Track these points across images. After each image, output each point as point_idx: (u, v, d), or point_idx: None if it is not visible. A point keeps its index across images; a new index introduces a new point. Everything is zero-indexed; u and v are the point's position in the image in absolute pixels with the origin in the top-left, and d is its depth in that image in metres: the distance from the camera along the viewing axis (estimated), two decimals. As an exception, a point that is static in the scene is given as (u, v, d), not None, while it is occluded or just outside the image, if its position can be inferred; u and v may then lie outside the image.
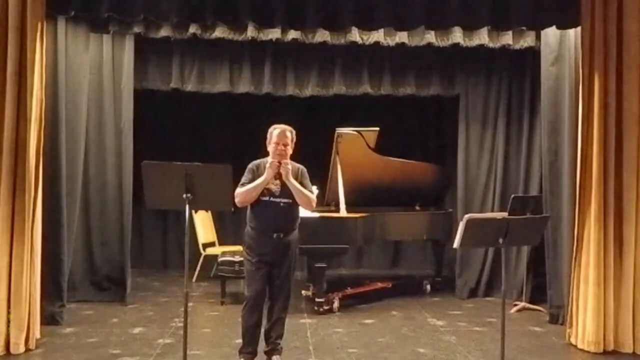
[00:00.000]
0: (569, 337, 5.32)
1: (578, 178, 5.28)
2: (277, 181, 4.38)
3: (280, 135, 4.36)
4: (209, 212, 7.87)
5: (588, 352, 5.09)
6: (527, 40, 6.29)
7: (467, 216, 4.08)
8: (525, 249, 6.69)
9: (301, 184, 4.42)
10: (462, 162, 7.24)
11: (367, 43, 6.26)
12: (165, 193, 3.99)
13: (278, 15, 5.28)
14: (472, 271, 7.16)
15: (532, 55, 6.45)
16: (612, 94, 5.13)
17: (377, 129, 6.86)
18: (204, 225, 7.80)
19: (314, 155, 6.27)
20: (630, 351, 5.10)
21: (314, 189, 4.65)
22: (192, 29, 6.09)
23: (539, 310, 6.40)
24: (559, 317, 5.89)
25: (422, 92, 7.21)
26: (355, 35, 6.18)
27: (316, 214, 6.21)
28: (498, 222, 4.11)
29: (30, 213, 4.89)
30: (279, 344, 4.56)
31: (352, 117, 7.37)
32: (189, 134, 8.60)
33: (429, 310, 6.47)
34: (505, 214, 4.81)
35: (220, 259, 6.63)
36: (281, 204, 4.40)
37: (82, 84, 6.14)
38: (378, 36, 6.20)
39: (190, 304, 4.78)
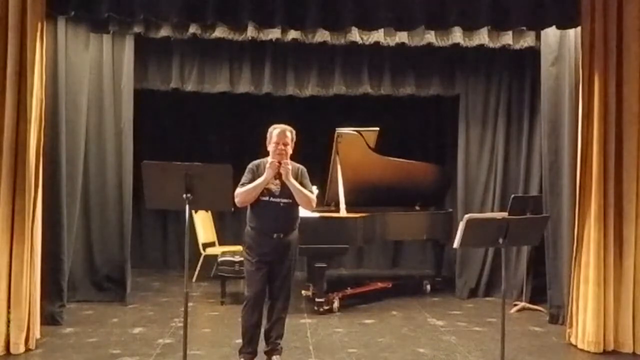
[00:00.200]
0: (569, 337, 5.32)
1: (578, 178, 5.28)
2: (277, 181, 4.38)
3: (280, 135, 4.36)
4: (209, 212, 7.87)
5: (588, 352, 5.09)
6: (527, 40, 6.29)
7: (467, 216, 4.08)
8: (525, 249, 6.69)
9: (301, 184, 4.42)
10: (462, 162, 7.24)
11: (367, 43, 6.25)
12: (165, 193, 3.99)
13: (278, 15, 5.28)
14: (472, 271, 7.15)
15: (532, 55, 6.45)
16: (612, 94, 5.13)
17: (377, 129, 6.86)
18: (204, 225, 7.80)
19: (314, 155, 6.28)
20: (630, 351, 5.10)
21: (314, 189, 4.65)
22: (192, 29, 6.09)
23: (539, 310, 6.40)
24: (559, 317, 5.89)
25: (422, 92, 7.21)
26: (355, 35, 6.18)
27: (316, 214, 6.21)
28: (498, 222, 4.11)
29: (30, 213, 4.89)
30: (279, 344, 4.56)
31: (352, 117, 7.36)
32: (189, 134, 8.61)
33: (429, 310, 6.47)
34: (505, 214, 4.82)
35: (220, 259, 6.63)
36: (281, 204, 4.40)
37: (82, 84, 6.14)
38: (378, 36, 6.20)
39: (190, 304, 4.77)
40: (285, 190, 4.37)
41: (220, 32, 6.14)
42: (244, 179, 4.40)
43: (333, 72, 7.00)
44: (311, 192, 4.50)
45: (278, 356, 4.54)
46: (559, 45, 5.87)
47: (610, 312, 5.12)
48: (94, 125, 6.43)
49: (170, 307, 6.37)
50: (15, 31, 4.80)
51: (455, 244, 4.10)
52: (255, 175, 4.38)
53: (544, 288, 6.09)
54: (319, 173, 6.16)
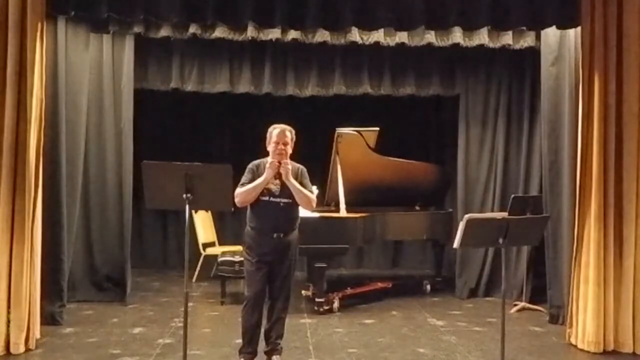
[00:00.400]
0: (569, 337, 5.32)
1: (578, 178, 5.28)
2: (277, 181, 4.38)
3: (280, 135, 4.36)
4: (209, 212, 7.87)
5: (588, 352, 5.09)
6: (527, 40, 6.29)
7: (467, 216, 4.08)
8: (525, 249, 6.69)
9: (301, 183, 4.42)
10: (462, 162, 7.24)
11: (367, 43, 6.25)
12: (165, 193, 3.99)
13: (278, 15, 5.28)
14: (472, 271, 7.15)
15: (532, 55, 6.45)
16: (612, 94, 5.13)
17: (377, 129, 6.86)
18: (204, 225, 7.80)
19: (314, 155, 6.28)
20: (630, 351, 5.10)
21: (314, 189, 4.65)
22: (192, 29, 6.09)
23: (539, 310, 6.40)
24: (559, 317, 5.89)
25: (422, 92, 7.21)
26: (355, 35, 6.18)
27: (316, 214, 6.21)
28: (498, 222, 4.11)
29: (30, 213, 4.89)
30: (279, 344, 4.56)
31: (352, 117, 7.37)
32: (189, 134, 8.61)
33: (429, 310, 6.47)
34: (505, 214, 4.81)
35: (220, 259, 6.63)
36: (281, 204, 4.40)
37: (82, 84, 6.14)
38: (378, 36, 6.20)
39: (190, 304, 4.77)
40: (285, 190, 4.37)
41: (220, 32, 6.14)
42: (244, 179, 4.40)
43: (333, 72, 7.00)
44: (311, 192, 4.50)
45: (278, 356, 4.54)
46: (559, 45, 5.87)
47: (610, 312, 5.12)
48: (94, 125, 6.43)
49: (170, 307, 6.37)
50: (15, 31, 4.80)
51: (455, 244, 4.10)
52: (255, 175, 4.38)
53: (544, 288, 6.09)
54: (319, 173, 6.15)
